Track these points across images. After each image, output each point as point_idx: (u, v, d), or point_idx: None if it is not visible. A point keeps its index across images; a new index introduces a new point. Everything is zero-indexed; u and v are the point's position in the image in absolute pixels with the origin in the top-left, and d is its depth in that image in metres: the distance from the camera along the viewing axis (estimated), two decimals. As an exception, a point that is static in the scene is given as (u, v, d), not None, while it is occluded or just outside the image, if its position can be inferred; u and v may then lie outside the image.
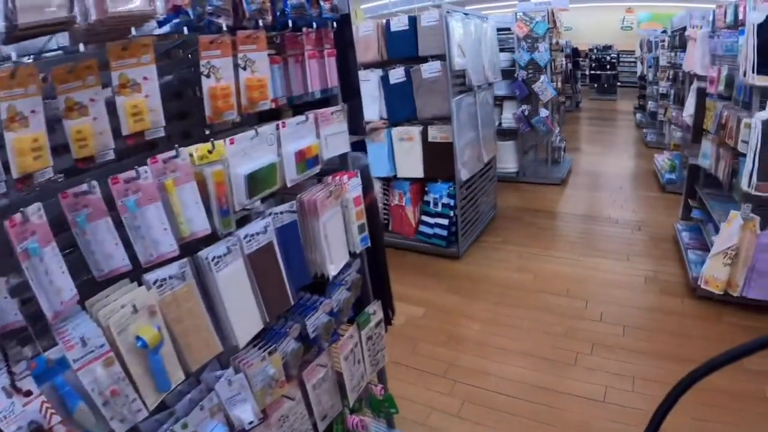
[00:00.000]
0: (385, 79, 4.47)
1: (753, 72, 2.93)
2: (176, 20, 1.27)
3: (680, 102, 6.35)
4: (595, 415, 2.69)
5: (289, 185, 1.58)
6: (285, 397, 1.71)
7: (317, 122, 1.70)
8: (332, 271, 1.77)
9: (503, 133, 6.95)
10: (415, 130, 4.52)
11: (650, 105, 10.20)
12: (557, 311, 3.74)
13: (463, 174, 4.56)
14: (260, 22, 1.44)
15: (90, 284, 1.17)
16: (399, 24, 4.36)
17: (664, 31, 9.16)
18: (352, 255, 1.94)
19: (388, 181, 4.91)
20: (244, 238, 1.41)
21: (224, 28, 1.33)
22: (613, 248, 4.85)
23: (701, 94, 4.22)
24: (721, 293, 3.40)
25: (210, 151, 1.29)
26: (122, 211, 1.18)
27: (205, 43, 1.32)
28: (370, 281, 2.19)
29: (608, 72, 18.26)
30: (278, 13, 1.51)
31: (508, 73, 6.59)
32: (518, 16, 6.52)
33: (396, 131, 4.60)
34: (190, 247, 1.32)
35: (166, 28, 1.29)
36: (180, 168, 1.25)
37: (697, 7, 6.39)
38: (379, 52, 4.51)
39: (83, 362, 1.08)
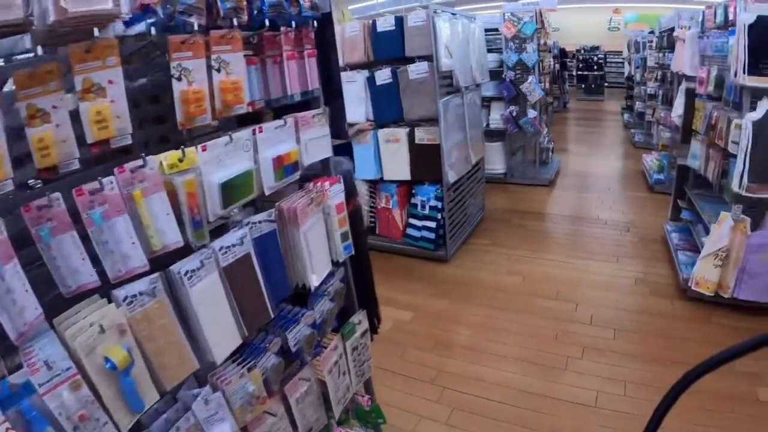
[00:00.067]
0: (371, 80, 4.41)
1: (744, 72, 2.90)
2: (145, 20, 1.20)
3: (668, 102, 6.36)
4: (586, 421, 2.64)
5: (267, 193, 1.51)
6: (267, 413, 1.65)
7: (297, 126, 1.63)
8: (314, 281, 1.70)
9: (491, 134, 6.91)
10: (402, 132, 4.46)
11: (638, 105, 10.23)
12: (547, 314, 3.69)
13: (451, 176, 4.50)
14: (235, 21, 1.37)
15: (60, 300, 1.11)
16: (385, 24, 4.30)
17: (652, 32, 9.19)
18: (336, 264, 1.87)
19: (375, 184, 4.84)
20: (220, 250, 1.34)
21: (196, 28, 1.26)
22: (602, 250, 4.82)
23: (690, 95, 4.19)
24: (712, 295, 3.37)
25: (180, 159, 1.22)
26: (88, 224, 1.11)
27: (176, 44, 1.25)
28: (355, 290, 2.13)
29: (595, 72, 18.42)
30: (255, 12, 1.44)
31: (495, 74, 6.56)
32: (506, 17, 6.49)
33: (382, 133, 4.54)
34: (162, 261, 1.25)
35: (136, 28, 1.23)
36: (148, 178, 1.18)
37: (684, 8, 6.38)
38: (365, 52, 4.45)
39: (49, 386, 1.02)
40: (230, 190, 1.35)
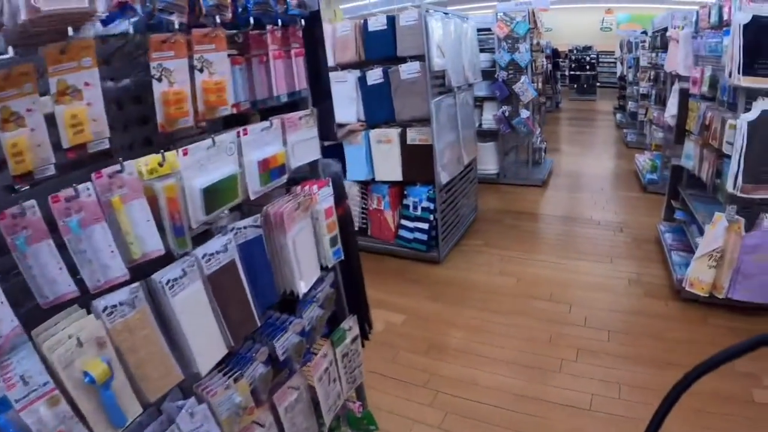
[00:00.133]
0: (362, 80, 4.36)
1: (739, 73, 2.89)
2: (123, 18, 1.15)
3: (661, 102, 6.36)
4: (581, 424, 2.61)
5: (252, 198, 1.46)
6: (255, 424, 1.60)
7: (284, 128, 1.58)
8: (302, 288, 1.65)
9: (483, 135, 6.89)
10: (394, 133, 4.42)
11: (630, 105, 10.26)
12: (541, 316, 3.66)
13: (443, 177, 4.46)
14: (219, 20, 1.32)
15: (38, 311, 1.06)
16: (377, 24, 4.25)
17: (644, 32, 9.21)
18: (325, 269, 1.82)
19: (366, 185, 4.80)
20: (203, 257, 1.29)
21: (176, 27, 1.21)
22: (595, 250, 4.80)
23: (684, 95, 4.18)
24: (707, 296, 3.36)
25: (161, 164, 1.17)
26: (64, 232, 1.06)
27: (157, 43, 1.20)
28: (345, 295, 2.08)
29: (588, 72, 18.51)
30: (239, 10, 1.38)
31: (488, 74, 6.53)
32: (499, 17, 6.47)
33: (374, 133, 4.50)
34: (143, 270, 1.20)
35: (120, 27, 1.19)
36: (127, 183, 1.13)
37: (676, 8, 6.39)
38: (356, 52, 4.40)
39: (25, 402, 0.98)
40: (213, 195, 1.29)
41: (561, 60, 17.36)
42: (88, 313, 1.12)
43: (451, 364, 3.18)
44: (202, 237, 1.39)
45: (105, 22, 1.12)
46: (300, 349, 1.69)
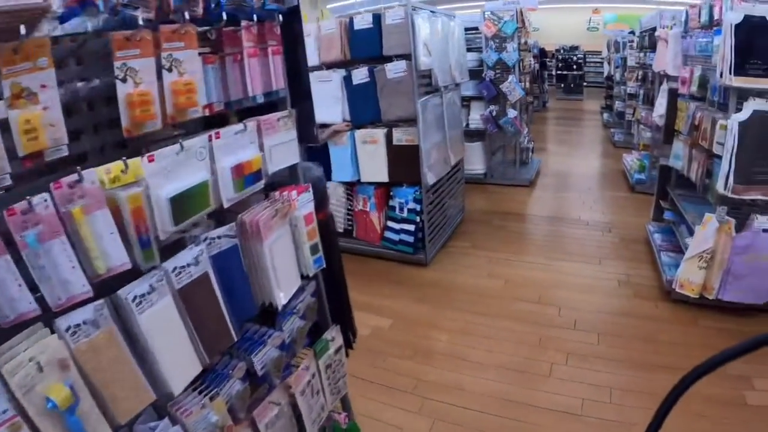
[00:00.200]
0: (348, 80, 4.28)
1: (730, 73, 2.85)
2: (84, 15, 1.07)
3: (649, 102, 6.35)
4: (573, 430, 2.56)
5: (225, 206, 1.37)
6: (234, 441, 1.52)
7: (260, 131, 1.49)
8: (281, 299, 1.57)
9: (471, 135, 6.84)
10: (380, 133, 4.35)
11: (617, 105, 10.26)
12: (529, 319, 3.61)
13: (430, 178, 4.39)
14: (188, 15, 1.24)
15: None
16: (363, 22, 4.18)
17: (632, 32, 9.21)
18: (306, 278, 1.74)
19: (352, 186, 4.72)
20: (173, 271, 1.21)
21: (141, 23, 1.13)
22: (584, 251, 4.76)
23: (673, 95, 4.15)
24: (697, 297, 3.32)
25: (123, 171, 1.08)
26: (22, 247, 0.98)
27: (120, 41, 1.11)
28: (328, 304, 2.00)
29: (575, 72, 18.62)
30: (211, 5, 1.30)
31: (475, 73, 6.48)
32: (486, 16, 6.43)
33: (359, 134, 4.42)
34: (110, 285, 1.12)
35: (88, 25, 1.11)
36: (89, 193, 1.04)
37: (663, 8, 6.37)
38: (342, 51, 4.32)
39: (-15, 431, 0.90)
40: (182, 204, 1.21)
41: (548, 59, 17.43)
42: (52, 332, 1.04)
43: (439, 369, 3.11)
44: (175, 246, 1.31)
45: (63, 19, 1.04)
46: (279, 363, 1.61)
